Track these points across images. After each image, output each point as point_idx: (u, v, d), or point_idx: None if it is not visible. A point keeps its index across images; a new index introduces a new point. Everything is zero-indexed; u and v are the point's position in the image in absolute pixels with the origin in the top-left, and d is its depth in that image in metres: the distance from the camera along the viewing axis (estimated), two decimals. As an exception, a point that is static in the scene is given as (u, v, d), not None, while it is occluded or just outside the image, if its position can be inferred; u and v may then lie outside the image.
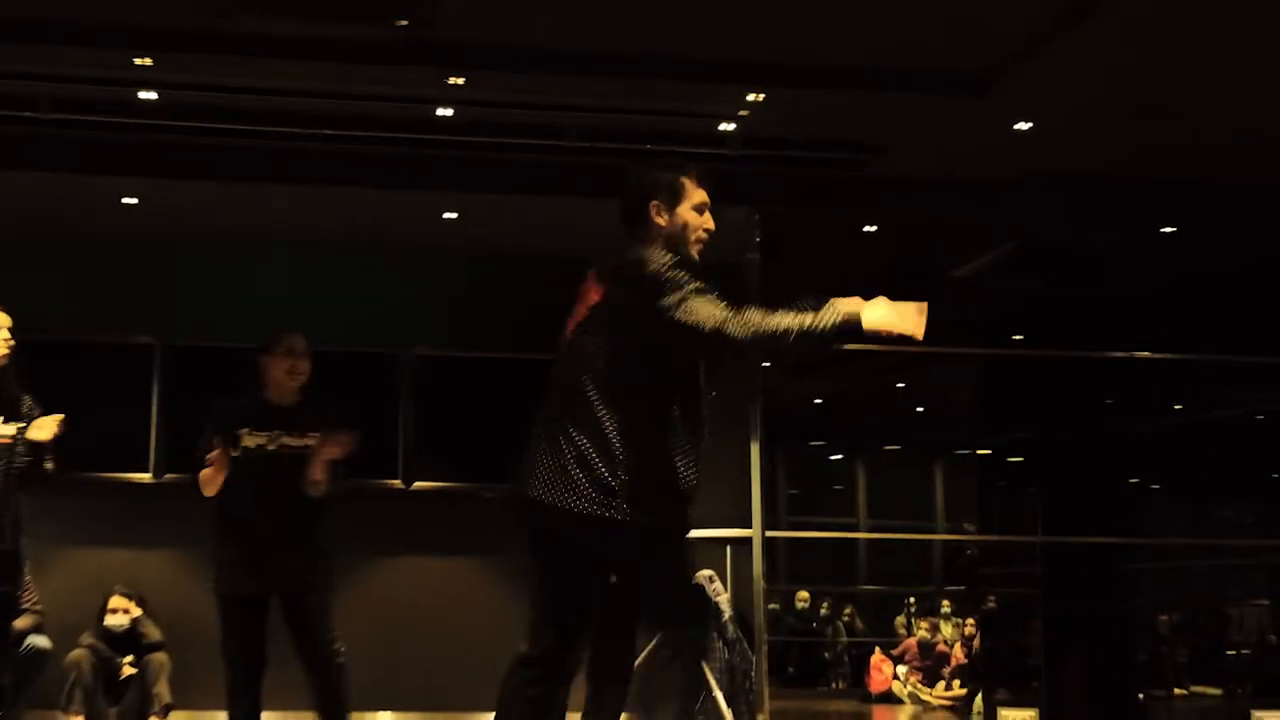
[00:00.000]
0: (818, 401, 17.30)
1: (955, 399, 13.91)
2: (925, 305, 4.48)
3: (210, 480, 6.65)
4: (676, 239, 4.81)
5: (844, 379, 15.01)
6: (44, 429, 6.47)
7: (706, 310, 4.44)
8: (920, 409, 17.40)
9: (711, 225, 4.89)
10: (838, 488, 20.65)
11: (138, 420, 10.45)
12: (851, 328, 4.42)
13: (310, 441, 6.72)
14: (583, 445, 4.56)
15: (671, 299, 4.49)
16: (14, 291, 10.03)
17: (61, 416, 6.51)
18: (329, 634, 6.80)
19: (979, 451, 13.43)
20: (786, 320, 4.40)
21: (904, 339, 4.47)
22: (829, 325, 4.40)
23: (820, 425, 19.14)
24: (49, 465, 6.62)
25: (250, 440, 6.73)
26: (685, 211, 4.85)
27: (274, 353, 6.82)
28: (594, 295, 4.76)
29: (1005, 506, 11.95)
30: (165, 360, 10.55)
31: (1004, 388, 11.16)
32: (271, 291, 10.81)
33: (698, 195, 4.87)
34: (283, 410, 6.79)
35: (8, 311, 6.66)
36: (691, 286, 4.51)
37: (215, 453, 6.59)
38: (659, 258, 4.61)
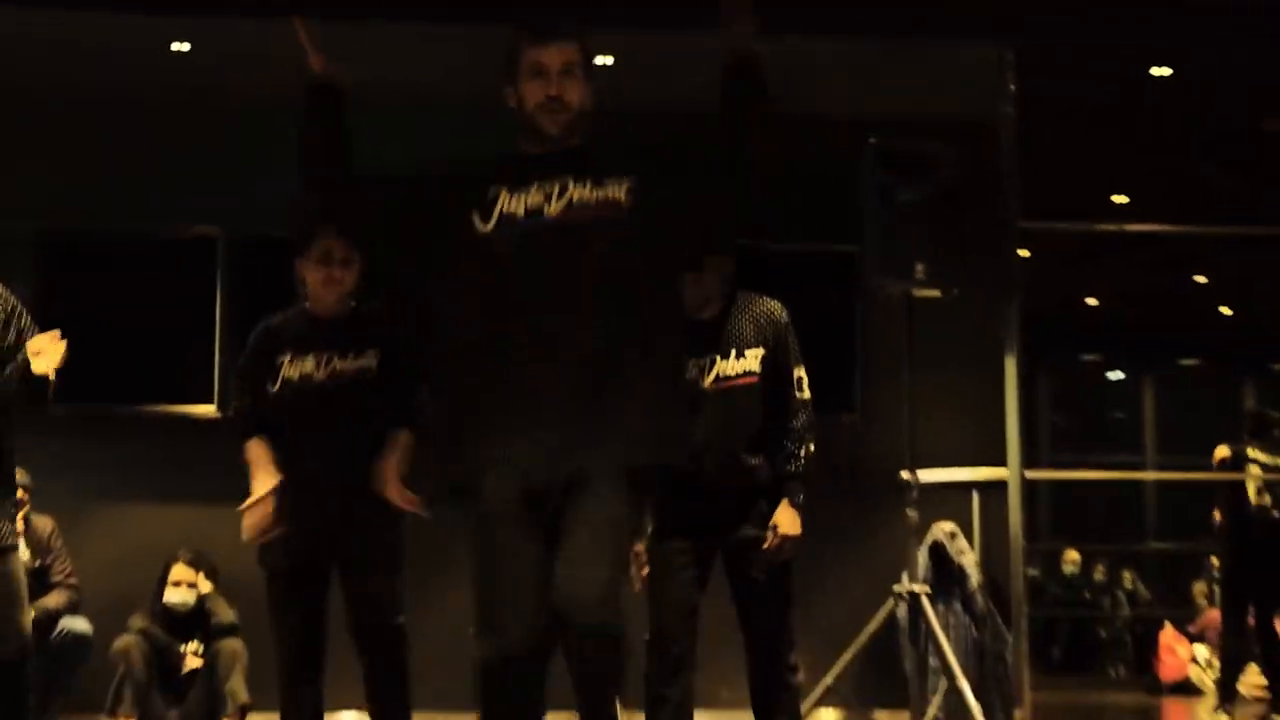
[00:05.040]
0: (1092, 303, 17.20)
1: (1272, 299, 13.80)
2: None
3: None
4: (523, 119, 5.15)
5: (1126, 274, 14.91)
6: (48, 357, 6.27)
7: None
8: (1226, 311, 17.24)
9: (555, 89, 5.08)
10: (1118, 415, 20.56)
11: (197, 336, 10.63)
12: None
13: (370, 362, 6.77)
14: None
15: None
16: (29, 172, 10.33)
17: (58, 334, 6.30)
18: (390, 611, 6.91)
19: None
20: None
21: None
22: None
23: (1095, 334, 19.04)
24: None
25: (292, 370, 6.76)
26: (522, 84, 5.14)
27: (308, 258, 6.79)
28: None
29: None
30: (230, 257, 10.74)
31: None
32: (374, 162, 10.90)
33: (529, 59, 5.12)
34: (329, 325, 6.80)
35: None
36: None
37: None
38: None
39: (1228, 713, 11.50)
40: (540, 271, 4.93)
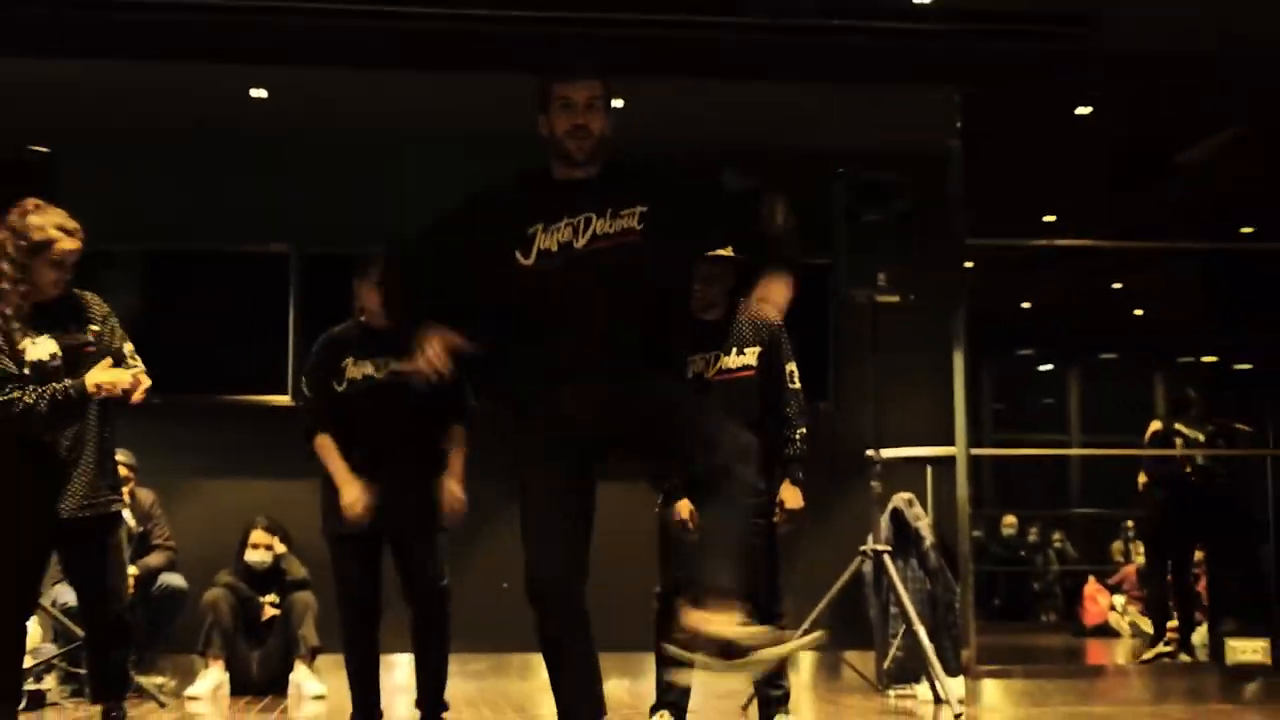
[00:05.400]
0: (1026, 306, 17.17)
1: (1178, 301, 13.77)
2: None
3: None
4: (552, 145, 5.22)
5: (1056, 281, 14.89)
6: (102, 375, 6.31)
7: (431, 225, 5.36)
8: (1139, 312, 17.21)
9: (581, 119, 5.16)
10: (1048, 401, 20.50)
11: (273, 337, 10.65)
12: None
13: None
14: None
15: None
16: (134, 197, 10.32)
17: (139, 373, 6.43)
18: (436, 575, 6.97)
19: (1204, 359, 13.29)
20: (407, 286, 5.47)
21: None
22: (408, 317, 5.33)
23: (1029, 332, 18.98)
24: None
25: (356, 370, 6.89)
26: (552, 115, 5.20)
27: (365, 278, 6.89)
28: None
29: (1233, 418, 11.79)
30: (302, 270, 10.73)
31: (1232, 287, 11.02)
32: (422, 192, 10.88)
33: (559, 94, 5.19)
34: (387, 334, 6.70)
35: (78, 219, 6.54)
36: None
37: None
38: None
39: (1158, 648, 11.49)
40: (571, 295, 5.04)
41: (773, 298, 5.14)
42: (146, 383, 6.39)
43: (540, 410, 5.13)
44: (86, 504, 6.49)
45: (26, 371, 6.23)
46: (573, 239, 5.07)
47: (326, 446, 6.97)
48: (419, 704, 7.07)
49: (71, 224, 6.39)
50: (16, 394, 6.18)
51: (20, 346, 6.26)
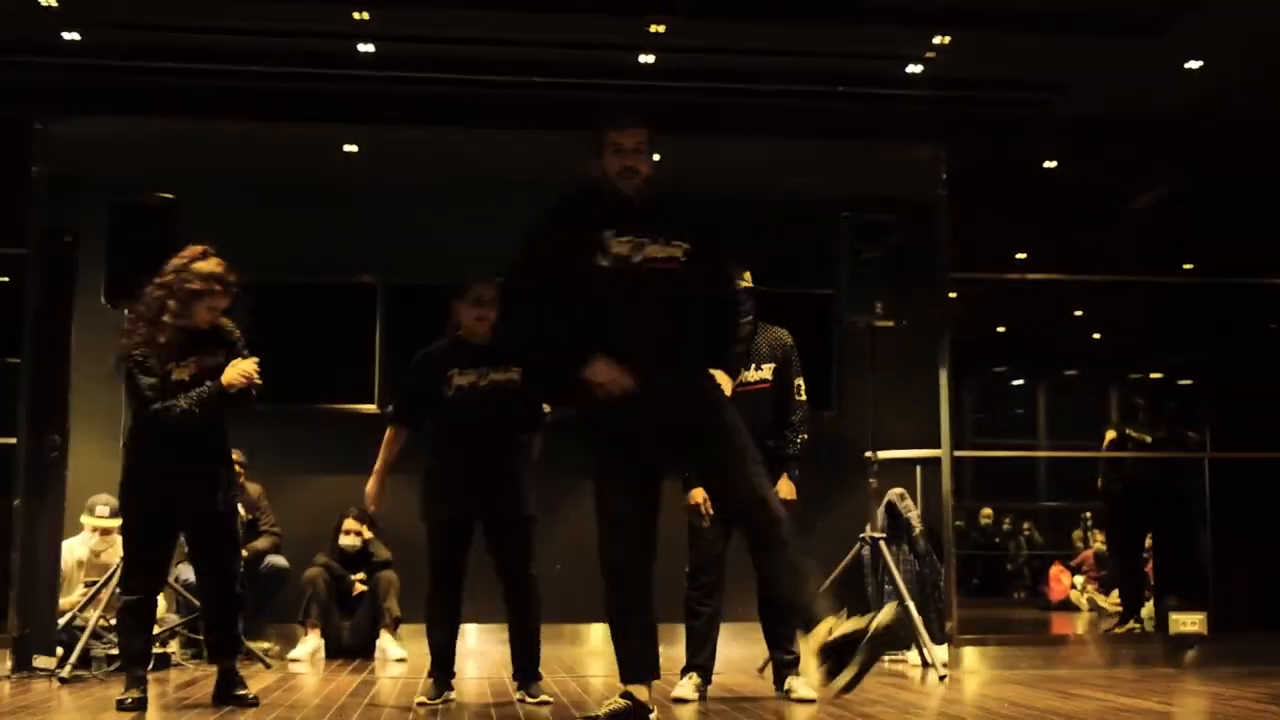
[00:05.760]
0: (1001, 330, 17.10)
1: (1130, 326, 13.68)
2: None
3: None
4: (606, 182, 5.41)
5: (1026, 308, 14.85)
6: (233, 371, 6.50)
7: (516, 256, 5.48)
8: (1096, 335, 17.14)
9: (630, 161, 5.36)
10: (1019, 411, 20.43)
11: (363, 355, 10.66)
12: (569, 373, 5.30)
13: (515, 375, 6.87)
14: None
15: None
16: (246, 236, 10.35)
17: (254, 361, 6.58)
18: (527, 561, 6.96)
19: (1152, 375, 13.21)
20: (534, 336, 5.42)
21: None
22: (554, 360, 5.40)
23: (1004, 352, 18.92)
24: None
25: (462, 379, 6.87)
26: (605, 159, 5.39)
27: (464, 300, 6.94)
28: None
29: (1176, 426, 11.75)
30: (386, 298, 10.75)
31: (1176, 315, 10.96)
32: (488, 233, 10.87)
33: (611, 140, 5.38)
34: (483, 349, 6.90)
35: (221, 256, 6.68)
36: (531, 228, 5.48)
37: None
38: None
39: (1129, 624, 11.43)
40: (632, 306, 5.22)
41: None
42: (251, 368, 6.51)
43: (613, 410, 5.19)
44: (210, 498, 6.62)
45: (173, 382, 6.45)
46: (630, 254, 5.19)
47: (389, 439, 7.03)
48: (516, 674, 7.05)
49: (230, 278, 6.61)
50: (173, 402, 6.39)
51: (168, 368, 6.47)
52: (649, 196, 5.37)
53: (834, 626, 5.01)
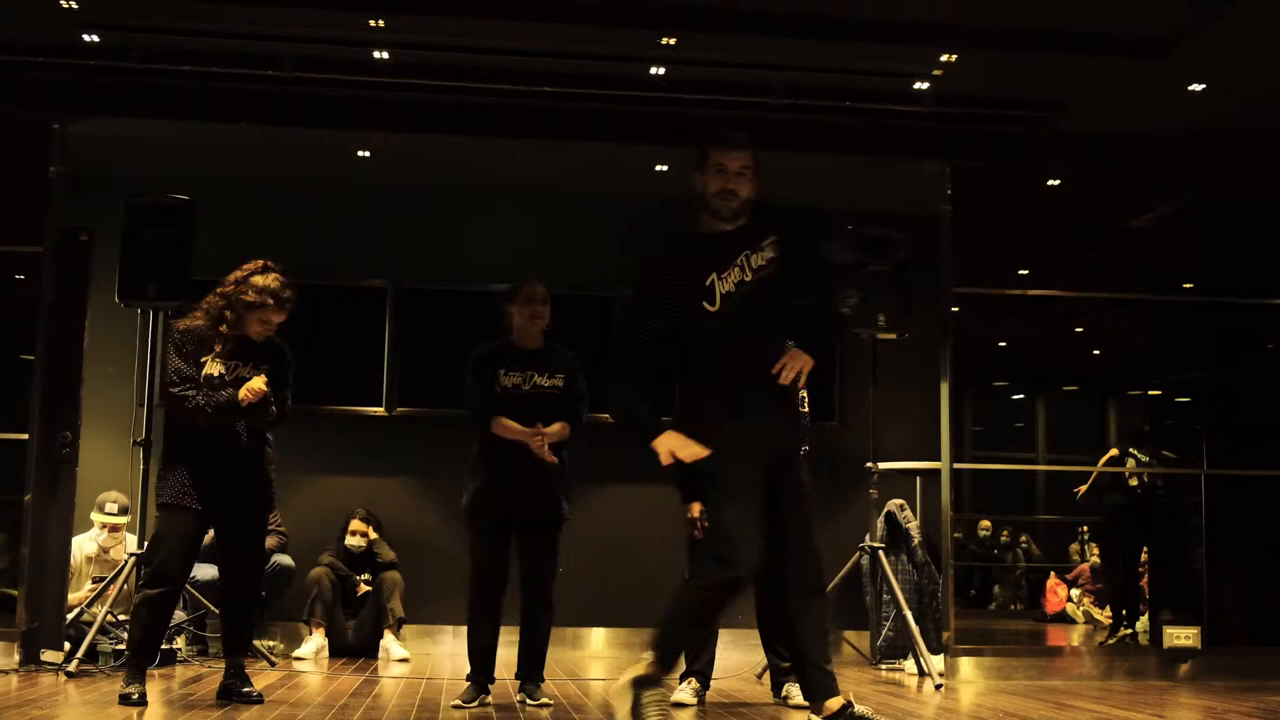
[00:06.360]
0: (1002, 345, 17.10)
1: (1129, 343, 13.69)
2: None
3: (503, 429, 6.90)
4: (703, 200, 5.33)
5: (1027, 324, 14.84)
6: (247, 389, 6.54)
7: (619, 320, 5.57)
8: (1096, 351, 17.13)
9: (731, 184, 5.28)
10: (1019, 424, 20.40)
11: (372, 358, 10.66)
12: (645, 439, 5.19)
13: (559, 381, 6.96)
14: None
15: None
16: (258, 238, 10.36)
17: (261, 379, 6.58)
18: (553, 566, 6.99)
19: (1150, 392, 13.21)
20: (621, 400, 5.28)
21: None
22: (634, 424, 5.20)
23: (1004, 367, 18.91)
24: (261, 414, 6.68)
25: (507, 380, 6.94)
26: (706, 176, 5.31)
27: (515, 301, 7.00)
28: None
29: (1173, 442, 11.75)
30: (397, 302, 10.74)
31: (1174, 332, 10.96)
32: (497, 239, 10.92)
33: (714, 159, 5.30)
34: (531, 353, 6.99)
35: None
36: (635, 290, 5.44)
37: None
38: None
39: (1120, 632, 11.43)
40: (746, 317, 5.22)
41: (796, 364, 5.24)
42: (261, 386, 6.52)
43: (721, 435, 5.16)
44: (249, 500, 6.78)
45: (201, 380, 6.52)
46: (743, 277, 5.21)
47: (499, 429, 6.92)
48: (518, 676, 7.04)
49: (286, 294, 6.73)
50: (191, 393, 6.48)
51: (202, 361, 6.55)
52: (741, 213, 5.34)
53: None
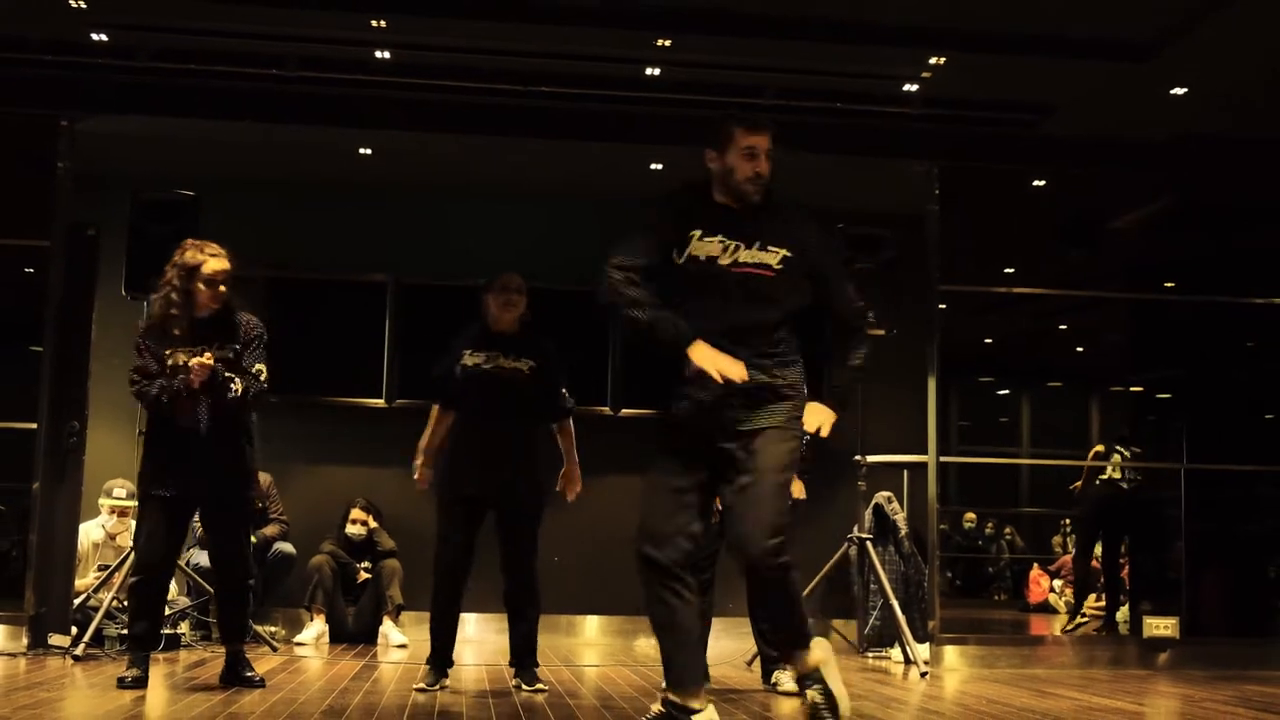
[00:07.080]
0: (988, 341, 17.13)
1: (1111, 341, 13.71)
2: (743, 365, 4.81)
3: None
4: (725, 179, 5.05)
5: (1012, 321, 14.88)
6: (194, 365, 6.46)
7: (620, 246, 4.98)
8: (1080, 349, 17.16)
9: (762, 167, 5.02)
10: (1003, 420, 20.43)
11: (372, 351, 10.69)
12: (678, 351, 4.81)
13: (524, 366, 6.97)
14: None
15: None
16: (263, 233, 10.38)
17: (208, 356, 6.48)
18: (532, 554, 7.01)
19: (1132, 389, 13.24)
20: (639, 310, 4.86)
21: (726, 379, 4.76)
22: (661, 335, 4.84)
23: (990, 363, 18.93)
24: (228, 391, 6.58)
25: (470, 360, 6.98)
26: (732, 157, 5.02)
27: (491, 290, 7.07)
28: None
29: (1153, 439, 11.79)
30: (397, 296, 10.78)
31: (1156, 331, 10.99)
32: (495, 235, 10.94)
33: (744, 142, 5.03)
34: (501, 336, 7.02)
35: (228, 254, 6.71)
36: (641, 226, 5.10)
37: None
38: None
39: (1077, 619, 11.51)
40: (709, 298, 4.95)
41: (815, 420, 5.31)
42: (208, 361, 6.43)
43: (675, 408, 5.05)
44: (223, 485, 6.72)
45: (167, 370, 6.48)
46: (719, 255, 4.96)
47: (431, 419, 7.16)
48: (513, 663, 7.09)
49: (216, 248, 6.66)
50: (146, 385, 6.52)
51: (167, 354, 6.49)
52: (760, 201, 5.07)
53: (824, 663, 5.02)
